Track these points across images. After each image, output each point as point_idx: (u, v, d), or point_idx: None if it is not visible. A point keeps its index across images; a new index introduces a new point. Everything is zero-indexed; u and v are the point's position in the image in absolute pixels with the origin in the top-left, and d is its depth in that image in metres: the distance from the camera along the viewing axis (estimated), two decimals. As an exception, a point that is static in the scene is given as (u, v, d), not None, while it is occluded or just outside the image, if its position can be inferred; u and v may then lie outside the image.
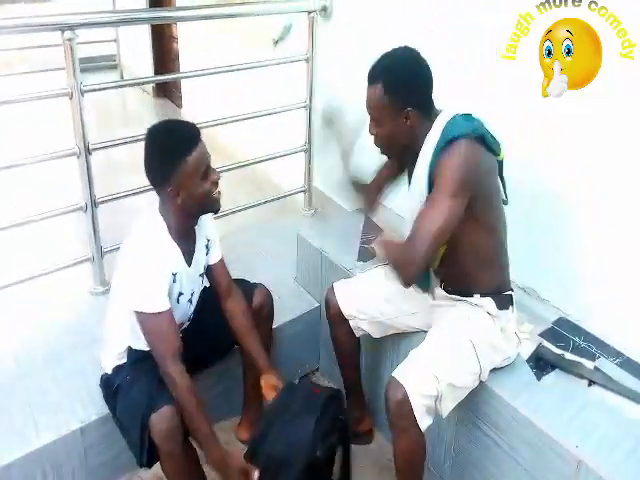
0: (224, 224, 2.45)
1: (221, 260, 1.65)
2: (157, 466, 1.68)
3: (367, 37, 2.29)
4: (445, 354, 1.33)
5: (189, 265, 1.50)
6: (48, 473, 1.55)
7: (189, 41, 4.14)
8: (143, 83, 4.81)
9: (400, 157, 1.46)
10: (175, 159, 1.35)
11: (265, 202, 2.63)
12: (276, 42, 2.87)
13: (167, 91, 4.89)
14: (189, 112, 4.31)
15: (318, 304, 2.06)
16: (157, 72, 4.76)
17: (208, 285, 1.79)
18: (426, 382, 1.29)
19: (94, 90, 1.90)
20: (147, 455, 1.38)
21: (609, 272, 1.61)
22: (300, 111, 2.53)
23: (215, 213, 1.52)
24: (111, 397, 1.49)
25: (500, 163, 1.41)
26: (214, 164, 2.26)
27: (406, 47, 1.37)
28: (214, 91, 3.57)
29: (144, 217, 1.47)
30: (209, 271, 1.64)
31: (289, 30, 2.80)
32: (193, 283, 1.54)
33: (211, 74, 2.42)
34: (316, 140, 2.58)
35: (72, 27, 1.76)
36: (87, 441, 1.59)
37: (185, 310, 1.56)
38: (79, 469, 1.61)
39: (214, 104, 3.63)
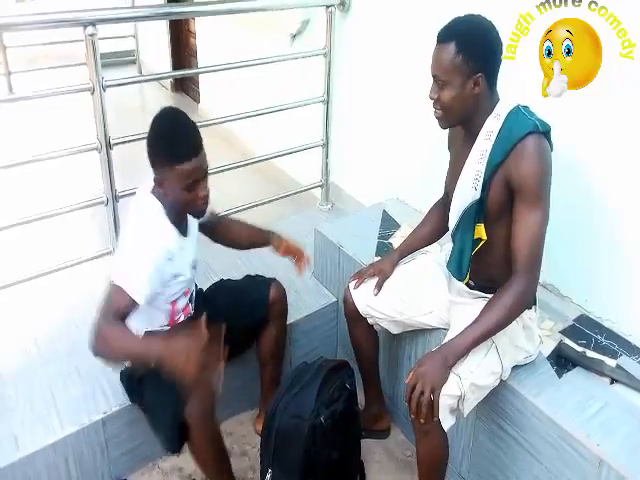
0: (241, 219, 2.47)
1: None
2: (175, 457, 1.73)
3: (385, 32, 2.27)
4: (468, 355, 1.31)
5: (185, 235, 1.51)
6: (70, 463, 1.58)
7: (207, 36, 4.16)
8: (164, 78, 4.82)
9: (454, 126, 1.40)
10: (165, 160, 1.35)
11: (282, 197, 2.64)
12: (294, 36, 2.86)
13: (185, 86, 4.91)
14: (206, 107, 4.33)
15: (335, 299, 2.06)
16: (175, 67, 4.78)
17: (225, 278, 1.82)
18: (449, 382, 1.28)
19: (116, 85, 1.91)
20: (179, 440, 1.39)
21: (630, 269, 1.58)
22: (318, 106, 2.53)
23: (197, 218, 1.52)
24: (135, 388, 1.50)
25: None
26: (232, 158, 2.27)
27: (480, 15, 1.32)
28: (232, 86, 3.59)
29: (140, 198, 1.47)
30: (201, 229, 1.66)
31: (307, 24, 2.79)
32: (191, 250, 1.56)
33: (229, 69, 2.43)
34: (333, 135, 2.58)
35: (94, 23, 1.78)
36: (108, 432, 1.62)
37: (189, 279, 1.57)
38: (101, 459, 1.64)
39: (231, 99, 3.64)
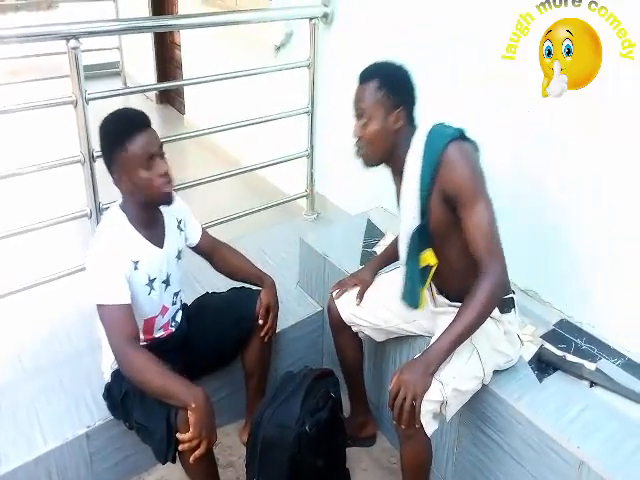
0: (227, 229, 2.48)
1: (202, 235, 1.71)
2: (161, 469, 1.71)
3: (368, 43, 2.31)
4: (450, 360, 1.33)
5: (161, 247, 1.51)
6: (54, 477, 1.56)
7: (192, 48, 4.18)
8: (148, 90, 4.84)
9: (378, 164, 1.45)
10: (115, 144, 1.37)
11: (268, 207, 2.65)
12: (278, 48, 2.90)
13: (170, 98, 4.92)
14: (192, 118, 4.34)
15: (321, 308, 2.07)
16: (160, 79, 4.79)
17: (211, 291, 1.83)
18: (432, 388, 1.29)
19: (99, 98, 1.92)
20: (173, 450, 1.38)
21: (610, 274, 1.61)
22: (302, 117, 2.56)
23: (167, 205, 1.47)
24: (119, 404, 1.49)
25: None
26: (217, 169, 2.26)
27: (397, 61, 1.43)
28: (217, 97, 3.60)
29: (106, 213, 1.51)
30: (196, 251, 1.71)
31: (291, 37, 2.82)
32: (167, 265, 1.53)
33: (213, 81, 2.45)
34: (318, 145, 2.61)
35: (77, 36, 1.79)
36: (93, 446, 1.60)
37: (162, 295, 1.55)
38: (85, 473, 1.62)
39: (217, 110, 3.66)
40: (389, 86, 1.35)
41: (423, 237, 1.39)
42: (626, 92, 1.47)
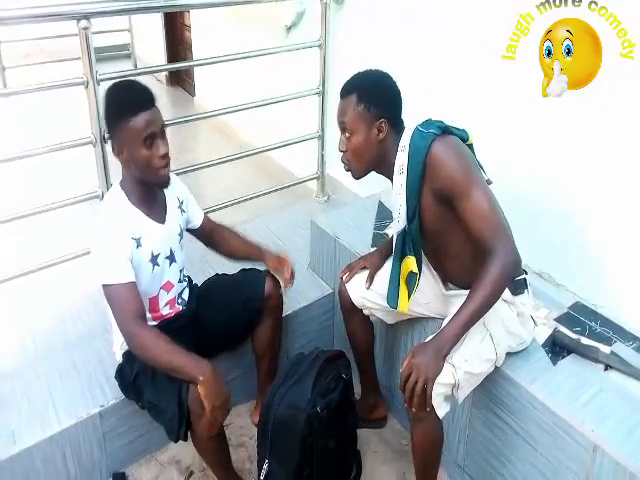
0: (237, 212, 2.48)
1: (204, 219, 1.72)
2: (174, 448, 1.73)
3: (379, 23, 2.27)
4: (462, 343, 1.32)
5: (162, 223, 1.51)
6: (68, 456, 1.59)
7: (202, 29, 4.14)
8: (158, 71, 4.81)
9: (366, 174, 1.45)
10: (121, 116, 1.37)
11: (278, 189, 2.64)
12: (289, 28, 2.86)
13: (180, 79, 4.91)
14: (202, 100, 4.32)
15: (332, 290, 2.07)
16: (170, 61, 4.77)
17: (221, 273, 1.83)
18: (443, 371, 1.28)
19: (109, 79, 1.90)
20: (185, 428, 1.39)
21: (625, 256, 1.59)
22: (313, 98, 2.53)
23: (162, 187, 1.49)
24: (131, 385, 1.50)
25: (471, 147, 1.42)
26: (227, 151, 2.25)
27: (377, 69, 1.42)
28: (227, 79, 3.58)
29: (107, 193, 1.52)
30: (197, 233, 1.72)
31: (302, 16, 2.78)
32: (170, 240, 1.54)
33: (224, 62, 2.42)
34: (329, 127, 2.58)
35: (87, 16, 1.77)
36: (106, 425, 1.62)
37: (166, 270, 1.55)
38: (98, 452, 1.65)
39: (227, 92, 3.64)
40: (368, 99, 1.35)
41: (407, 241, 1.42)
42: (626, 92, 1.46)
